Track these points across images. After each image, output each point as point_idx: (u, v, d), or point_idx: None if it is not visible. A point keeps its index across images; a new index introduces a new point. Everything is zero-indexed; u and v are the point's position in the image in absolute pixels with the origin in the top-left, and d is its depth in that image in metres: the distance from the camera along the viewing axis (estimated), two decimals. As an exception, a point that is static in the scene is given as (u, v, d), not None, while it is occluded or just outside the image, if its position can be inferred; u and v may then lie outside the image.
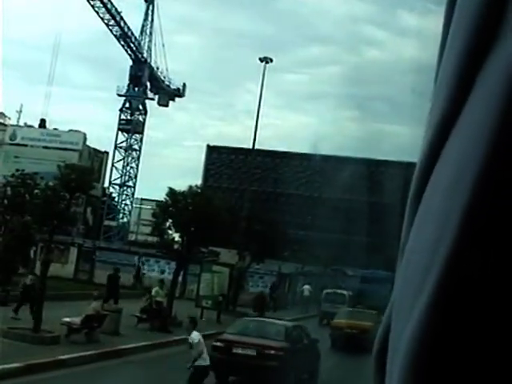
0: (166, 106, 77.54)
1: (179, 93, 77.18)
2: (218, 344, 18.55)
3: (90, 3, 68.46)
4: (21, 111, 72.89)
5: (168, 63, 76.27)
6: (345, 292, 39.68)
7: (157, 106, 76.93)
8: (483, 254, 0.51)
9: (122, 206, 75.46)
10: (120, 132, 75.19)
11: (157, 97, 76.46)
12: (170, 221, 31.11)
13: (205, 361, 15.70)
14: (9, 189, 38.77)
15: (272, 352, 17.65)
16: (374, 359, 0.64)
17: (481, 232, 0.51)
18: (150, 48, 74.68)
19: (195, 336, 15.81)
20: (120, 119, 74.92)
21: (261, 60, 53.67)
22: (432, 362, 0.52)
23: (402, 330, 0.56)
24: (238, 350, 17.98)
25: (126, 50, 73.42)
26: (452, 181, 0.54)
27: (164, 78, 76.01)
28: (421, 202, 0.59)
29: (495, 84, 0.53)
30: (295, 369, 18.20)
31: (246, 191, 58.86)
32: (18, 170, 39.10)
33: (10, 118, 72.55)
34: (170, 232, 32.58)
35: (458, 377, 0.51)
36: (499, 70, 0.54)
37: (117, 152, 75.02)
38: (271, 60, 54.19)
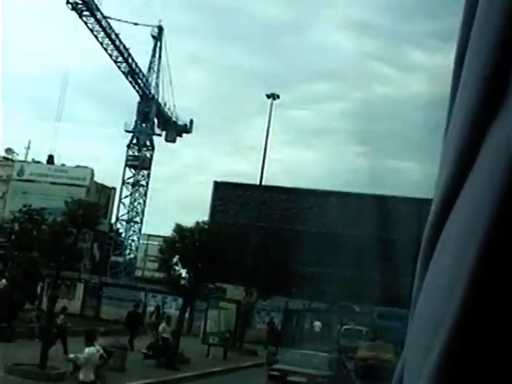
0: (174, 142, 77.83)
1: (186, 129, 77.50)
2: (274, 373, 21.36)
3: (98, 40, 69.10)
4: (29, 147, 73.18)
5: (175, 99, 76.71)
6: (362, 328, 41.79)
7: (164, 142, 77.23)
8: (494, 310, 0.51)
9: (129, 241, 75.42)
10: (127, 168, 75.41)
11: (164, 133, 76.78)
12: (177, 257, 31.01)
13: (89, 378, 15.54)
14: (16, 224, 38.83)
15: (319, 380, 20.54)
16: None
17: (492, 288, 0.51)
18: (157, 84, 75.19)
19: (88, 351, 15.78)
20: (127, 155, 75.19)
21: (268, 96, 53.94)
22: None
23: (416, 378, 0.56)
24: (292, 378, 20.66)
25: (134, 87, 73.90)
26: (463, 235, 0.55)
27: (171, 114, 76.39)
28: (433, 256, 0.59)
29: (503, 143, 0.54)
30: None
31: (253, 227, 58.79)
32: (25, 206, 39.18)
33: (17, 154, 72.85)
34: (176, 268, 32.48)
35: None
36: (508, 127, 0.54)
37: (124, 188, 75.24)
38: (278, 96, 54.47)
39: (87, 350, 16.17)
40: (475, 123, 0.58)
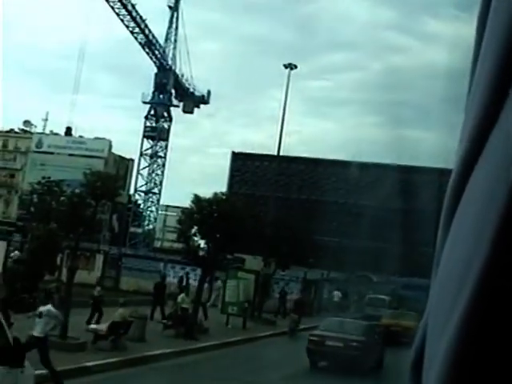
0: (191, 112, 77.74)
1: (204, 100, 77.34)
2: (314, 338, 23.29)
3: (114, 11, 68.91)
4: (47, 119, 73.42)
5: (193, 70, 76.48)
6: (385, 297, 43.67)
7: (182, 113, 77.16)
8: None
9: (148, 212, 75.75)
10: (145, 139, 75.49)
11: (182, 104, 76.68)
12: (196, 228, 31.08)
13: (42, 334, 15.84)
14: (35, 196, 39.06)
15: (355, 344, 22.40)
16: (410, 368, 0.64)
17: None
18: (174, 55, 74.98)
19: (43, 309, 16.33)
20: (145, 126, 75.22)
21: (285, 66, 53.70)
22: (468, 373, 0.52)
23: (438, 341, 0.56)
24: (330, 342, 22.68)
25: (151, 58, 73.73)
26: (487, 192, 0.55)
27: (189, 85, 76.22)
28: (455, 213, 0.59)
29: None
30: (370, 357, 23.06)
31: (271, 198, 58.82)
32: (44, 178, 39.40)
33: (36, 126, 73.06)
34: (195, 239, 32.56)
35: None
36: None
37: (142, 159, 75.38)
38: (295, 66, 54.22)
39: (42, 308, 16.75)
40: (495, 90, 0.57)
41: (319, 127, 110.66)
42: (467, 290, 0.53)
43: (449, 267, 0.58)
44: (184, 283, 37.03)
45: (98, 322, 22.79)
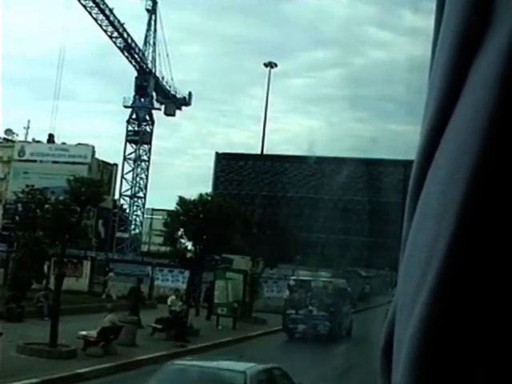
0: (173, 115, 77.59)
1: (185, 102, 77.22)
2: None
3: (92, 17, 68.64)
4: (28, 127, 73.03)
5: (173, 73, 76.38)
6: None
7: (164, 115, 76.98)
8: (481, 246, 0.52)
9: (134, 217, 75.49)
10: (128, 143, 75.24)
11: (163, 107, 76.50)
12: (182, 230, 31.05)
13: None
14: (19, 205, 38.84)
15: None
16: (380, 353, 0.65)
17: (478, 225, 0.52)
18: (154, 58, 74.76)
19: None
20: (127, 130, 74.99)
21: (265, 65, 53.68)
22: (435, 354, 0.53)
23: (405, 325, 0.57)
24: None
25: (131, 61, 73.53)
26: (448, 176, 0.55)
27: (170, 87, 76.04)
28: (419, 199, 0.60)
29: (488, 77, 0.54)
30: None
31: (257, 197, 58.82)
32: (27, 186, 39.14)
33: (17, 135, 72.71)
34: (182, 241, 32.54)
35: (461, 369, 0.52)
36: (491, 63, 0.54)
37: (126, 163, 75.09)
38: (276, 65, 54.21)
39: None
40: (459, 58, 0.58)
41: (302, 125, 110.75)
42: (431, 273, 0.54)
43: (414, 250, 0.59)
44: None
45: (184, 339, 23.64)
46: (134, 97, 74.54)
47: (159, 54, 74.50)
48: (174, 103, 76.31)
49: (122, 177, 74.68)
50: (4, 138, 72.64)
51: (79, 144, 69.52)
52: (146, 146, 75.36)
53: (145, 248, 74.27)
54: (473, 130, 0.53)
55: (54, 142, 70.56)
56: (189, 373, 12.79)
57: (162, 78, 75.31)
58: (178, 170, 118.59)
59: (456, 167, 0.54)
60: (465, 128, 0.55)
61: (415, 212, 0.60)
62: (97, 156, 69.58)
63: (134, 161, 75.20)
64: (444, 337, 0.53)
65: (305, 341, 28.24)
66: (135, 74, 74.24)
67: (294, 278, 33.64)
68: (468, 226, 0.52)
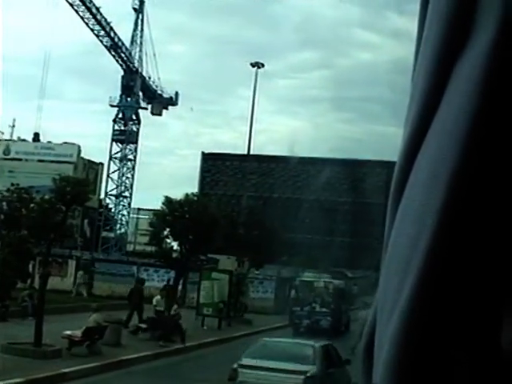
0: (160, 115, 77.44)
1: (172, 101, 77.09)
2: None
3: (79, 15, 68.44)
4: (14, 126, 72.70)
5: (160, 72, 76.21)
6: None
7: (150, 115, 76.84)
8: (461, 247, 0.53)
9: (119, 216, 75.29)
10: (114, 143, 75.03)
11: (150, 106, 76.35)
12: (168, 229, 31.01)
13: None
14: (4, 204, 38.63)
15: None
16: (362, 351, 0.65)
17: (458, 226, 0.53)
18: (141, 58, 74.59)
19: None
20: (114, 130, 74.77)
21: (252, 65, 53.76)
22: (415, 354, 0.54)
23: (386, 325, 0.57)
24: None
25: (117, 61, 73.33)
26: (429, 178, 0.56)
27: (156, 87, 75.89)
28: (401, 200, 0.60)
29: (470, 80, 0.54)
30: None
31: (243, 197, 58.83)
32: (13, 185, 38.96)
33: (2, 133, 72.39)
34: (168, 241, 32.49)
35: (441, 368, 0.53)
36: (473, 66, 0.54)
37: (112, 163, 74.88)
38: (262, 65, 54.31)
39: None
40: (441, 61, 0.58)
41: (288, 125, 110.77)
42: (412, 274, 0.54)
43: (395, 251, 0.59)
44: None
45: (183, 340, 23.76)
46: (121, 96, 74.36)
47: (146, 54, 74.42)
48: (161, 103, 76.18)
49: (108, 176, 74.51)
50: (-11, 137, 72.29)
51: (65, 143, 69.33)
52: (132, 145, 75.19)
53: (130, 248, 74.09)
54: (454, 133, 0.54)
55: (39, 140, 70.33)
56: (273, 346, 17.27)
57: (149, 78, 75.20)
58: (164, 169, 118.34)
59: (437, 169, 0.54)
60: (446, 131, 0.55)
61: (397, 213, 0.61)
62: (83, 155, 69.42)
63: (120, 160, 75.02)
64: (424, 336, 0.53)
65: (309, 334, 28.89)
66: (122, 73, 74.09)
67: (299, 279, 36.85)
68: (448, 227, 0.53)
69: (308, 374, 15.36)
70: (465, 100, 0.54)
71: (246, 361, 15.98)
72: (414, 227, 0.56)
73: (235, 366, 15.97)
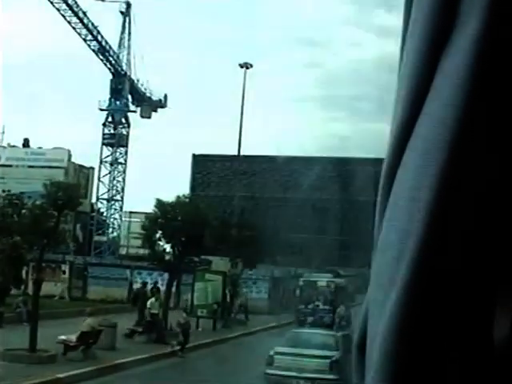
0: (149, 117, 77.39)
1: (161, 104, 77.06)
2: None
3: (66, 19, 68.36)
4: (3, 132, 72.56)
5: (148, 75, 76.27)
6: None
7: (140, 118, 76.80)
8: (451, 242, 0.53)
9: (111, 220, 75.27)
10: (104, 146, 74.97)
11: (139, 109, 76.32)
12: (160, 232, 31.01)
13: None
14: (-4, 210, 38.55)
15: None
16: (354, 350, 0.65)
17: (448, 221, 0.53)
18: (129, 61, 74.55)
19: None
20: (103, 133, 74.70)
21: (241, 66, 53.75)
22: (407, 349, 0.54)
23: (377, 320, 0.57)
24: None
25: (105, 64, 73.27)
26: (417, 173, 0.56)
27: (145, 89, 75.88)
28: (390, 196, 0.61)
29: (455, 74, 0.55)
30: None
31: (235, 198, 58.87)
32: (4, 191, 38.89)
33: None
34: (160, 243, 32.49)
35: (434, 363, 0.53)
36: (458, 60, 0.55)
37: (102, 167, 74.83)
38: (251, 65, 54.27)
39: None
40: (426, 56, 0.58)
41: (279, 125, 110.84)
42: (402, 269, 0.54)
43: (385, 248, 0.59)
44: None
45: (181, 350, 23.64)
46: (110, 99, 74.29)
47: (134, 57, 74.37)
48: (150, 105, 76.13)
49: (99, 180, 74.44)
50: (-21, 144, 72.12)
51: (55, 148, 69.25)
52: (122, 148, 75.15)
53: (123, 251, 74.05)
54: (441, 127, 0.54)
55: (29, 146, 70.23)
56: (302, 336, 20.70)
57: (138, 81, 75.16)
58: (156, 172, 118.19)
59: (425, 165, 0.55)
60: (433, 126, 0.55)
61: (386, 209, 0.61)
62: (73, 160, 69.36)
63: (111, 164, 74.97)
64: (416, 331, 0.53)
65: None
66: (110, 76, 74.04)
67: (303, 279, 38.53)
68: (438, 222, 0.53)
69: (333, 359, 17.71)
70: (452, 93, 0.54)
71: (279, 349, 18.83)
72: (403, 223, 0.56)
73: (271, 353, 18.72)
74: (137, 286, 40.15)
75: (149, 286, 33.54)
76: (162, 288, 32.20)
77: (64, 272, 41.29)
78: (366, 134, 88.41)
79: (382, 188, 0.63)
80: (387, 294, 0.56)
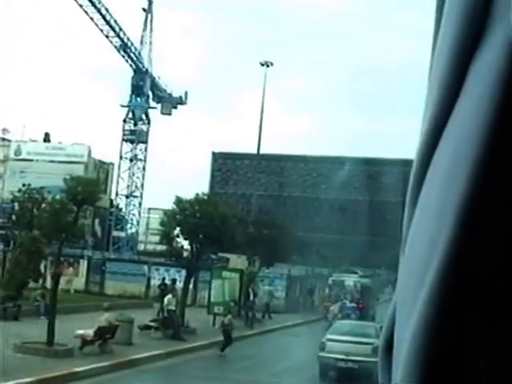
0: (169, 114, 77.56)
1: (181, 101, 77.21)
2: None
3: (88, 15, 68.61)
4: (24, 126, 72.97)
5: (170, 72, 76.43)
6: None
7: (160, 114, 76.99)
8: (481, 244, 0.52)
9: (130, 216, 75.47)
10: (124, 142, 75.21)
11: (159, 106, 76.50)
12: (178, 229, 31.09)
13: None
14: (16, 204, 38.84)
15: None
16: (380, 352, 0.65)
17: (477, 223, 0.53)
18: (150, 57, 74.77)
19: None
20: (124, 130, 74.94)
21: (261, 64, 53.76)
22: (436, 351, 0.53)
23: (406, 322, 0.57)
24: None
25: (127, 61, 73.48)
26: (448, 174, 0.55)
27: (166, 86, 76.05)
28: (419, 197, 0.60)
29: (487, 76, 0.54)
30: None
31: (253, 196, 58.89)
32: (24, 185, 39.16)
33: (14, 134, 72.64)
34: (178, 240, 32.57)
35: (462, 366, 0.53)
36: (490, 61, 0.54)
37: (122, 162, 75.07)
38: (272, 64, 54.29)
39: None
40: (458, 57, 0.58)
41: (298, 123, 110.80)
42: (432, 271, 0.54)
43: (414, 249, 0.59)
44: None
45: (222, 350, 23.95)
46: (131, 96, 74.54)
47: (155, 54, 74.57)
48: (170, 102, 76.30)
49: (119, 176, 74.71)
50: (0, 137, 72.63)
51: (75, 143, 69.53)
52: (142, 145, 75.37)
53: (141, 247, 74.31)
54: (472, 129, 0.53)
55: (49, 141, 70.55)
56: (346, 326, 24.19)
57: (159, 77, 75.35)
58: (175, 169, 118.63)
59: (455, 166, 0.54)
60: (464, 127, 0.55)
61: (415, 210, 0.61)
62: (93, 155, 69.63)
63: (131, 160, 75.21)
64: (445, 334, 0.53)
65: None
66: (131, 73, 74.27)
67: (332, 278, 41.63)
68: (468, 223, 0.53)
69: (374, 345, 19.59)
70: (482, 96, 0.54)
71: (330, 336, 22.28)
72: (433, 225, 0.56)
73: (324, 339, 22.09)
74: (154, 281, 40.38)
75: (168, 282, 33.82)
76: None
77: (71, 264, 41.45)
78: (390, 134, 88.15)
79: (411, 189, 0.62)
80: (416, 297, 0.55)
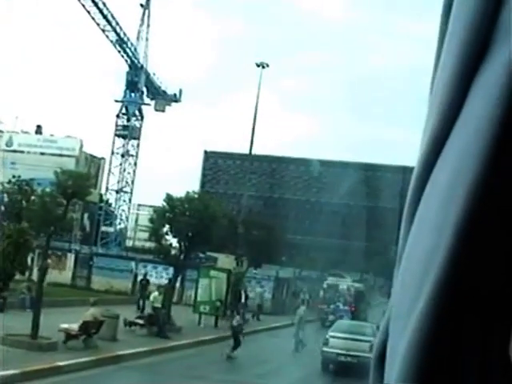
0: (163, 111, 77.46)
1: (176, 98, 77.11)
2: None
3: (85, 9, 68.44)
4: (17, 117, 72.77)
5: (165, 69, 76.31)
6: None
7: (153, 111, 76.88)
8: (479, 258, 0.52)
9: (119, 211, 75.32)
10: (117, 138, 75.07)
11: (153, 102, 76.38)
12: (168, 226, 31.04)
13: None
14: (5, 195, 38.71)
15: None
16: (372, 364, 0.65)
17: (476, 239, 0.52)
18: (146, 53, 74.63)
19: None
20: (117, 125, 74.79)
21: (257, 65, 53.74)
22: (430, 364, 0.53)
23: (400, 334, 0.57)
24: None
25: (122, 56, 73.33)
26: (448, 188, 0.55)
27: (160, 83, 75.95)
28: (417, 209, 0.60)
29: (490, 93, 0.54)
30: None
31: (243, 196, 58.85)
32: (14, 177, 39.02)
33: (5, 125, 72.39)
34: (167, 237, 32.52)
35: (456, 380, 0.53)
36: (493, 78, 0.55)
37: (114, 158, 74.92)
38: (267, 65, 54.27)
39: None
40: (462, 72, 0.58)
41: (292, 126, 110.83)
42: (428, 284, 0.54)
43: (411, 262, 0.59)
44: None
45: (232, 351, 23.80)
46: (125, 91, 74.39)
47: (151, 50, 74.43)
48: (165, 99, 76.20)
49: (110, 171, 74.55)
50: (-8, 128, 72.33)
51: (67, 136, 69.35)
52: (134, 141, 75.24)
53: (129, 243, 74.18)
54: (473, 146, 0.53)
55: (41, 133, 70.35)
56: (346, 324, 26.85)
57: (154, 74, 75.24)
58: (166, 166, 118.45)
59: (456, 180, 0.54)
60: (465, 144, 0.55)
61: (413, 222, 0.60)
62: (84, 149, 69.47)
63: (122, 155, 75.07)
64: (439, 347, 0.53)
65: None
66: (126, 68, 74.12)
67: (327, 282, 44.38)
68: (467, 238, 0.53)
69: (372, 342, 19.99)
70: (485, 113, 0.54)
71: (332, 333, 24.71)
72: (431, 239, 0.55)
73: (327, 336, 24.44)
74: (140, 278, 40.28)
75: (149, 278, 33.80)
76: (167, 284, 32.19)
77: (76, 261, 41.33)
78: (387, 140, 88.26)
79: (410, 200, 0.62)
80: (412, 309, 0.55)
